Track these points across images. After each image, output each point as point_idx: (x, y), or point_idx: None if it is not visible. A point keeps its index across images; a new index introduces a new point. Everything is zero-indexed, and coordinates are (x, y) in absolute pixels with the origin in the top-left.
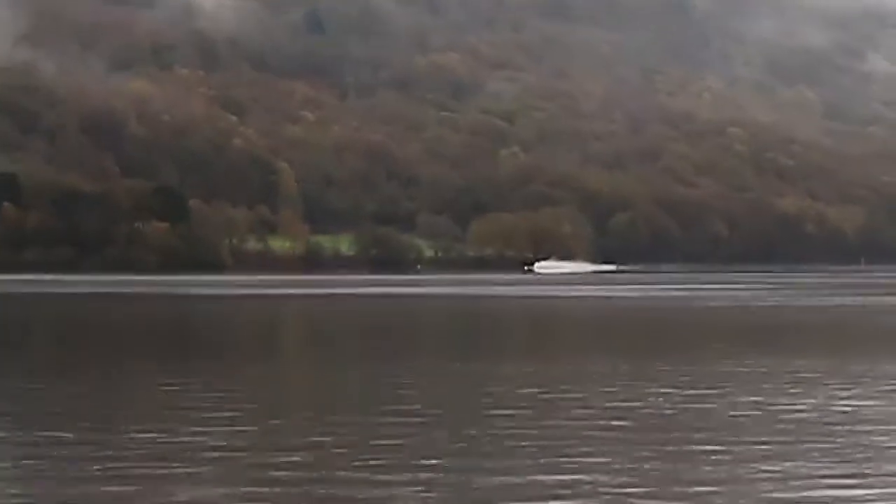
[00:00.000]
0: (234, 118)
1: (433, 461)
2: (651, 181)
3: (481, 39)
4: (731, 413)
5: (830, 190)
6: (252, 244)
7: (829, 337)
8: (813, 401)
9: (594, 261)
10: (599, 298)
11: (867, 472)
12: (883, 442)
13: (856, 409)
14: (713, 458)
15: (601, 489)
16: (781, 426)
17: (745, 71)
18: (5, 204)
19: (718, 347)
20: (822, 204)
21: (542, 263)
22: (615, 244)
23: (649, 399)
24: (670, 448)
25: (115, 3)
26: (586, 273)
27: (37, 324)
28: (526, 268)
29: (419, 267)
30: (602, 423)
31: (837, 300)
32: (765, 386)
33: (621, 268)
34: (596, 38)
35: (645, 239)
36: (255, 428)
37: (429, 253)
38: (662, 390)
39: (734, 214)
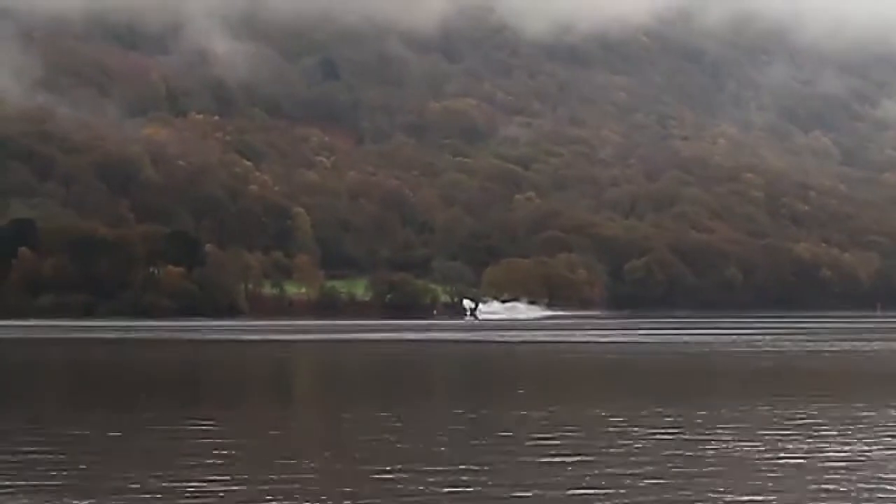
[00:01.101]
0: (249, 164)
1: None
2: (666, 227)
3: (496, 86)
4: (731, 457)
5: (845, 235)
6: (267, 289)
7: (838, 382)
8: (814, 445)
9: (609, 307)
10: (601, 344)
11: None
12: (877, 486)
13: (855, 453)
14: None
15: None
16: (780, 470)
17: (760, 117)
18: (21, 249)
19: (727, 392)
20: (838, 249)
21: (483, 308)
22: (630, 290)
23: (652, 443)
24: (669, 492)
25: (130, 50)
26: (530, 319)
27: (51, 369)
28: (469, 312)
29: (435, 311)
30: (607, 465)
31: (849, 345)
32: (766, 430)
33: (575, 313)
34: (611, 84)
35: (660, 285)
36: (265, 478)
37: (444, 298)
38: (668, 434)
39: (749, 260)
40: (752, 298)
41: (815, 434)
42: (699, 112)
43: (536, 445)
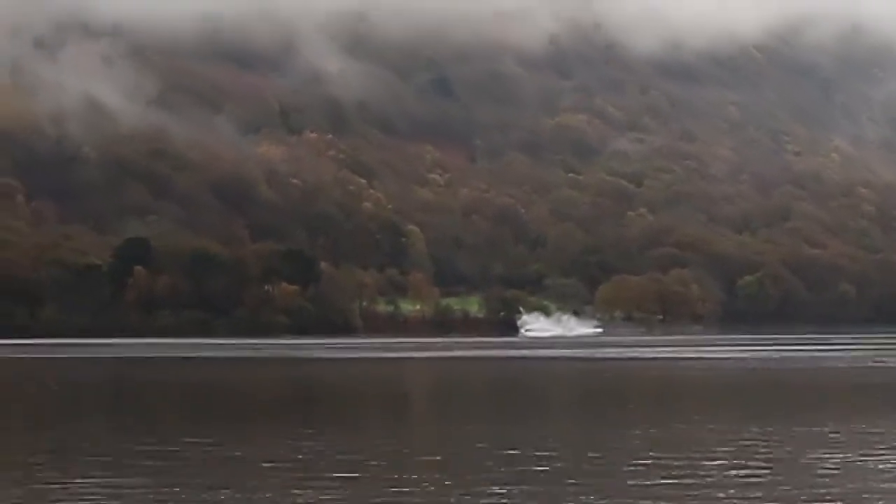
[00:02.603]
0: (363, 181)
1: None
2: (779, 242)
3: (608, 102)
4: (824, 473)
5: None
6: (382, 306)
7: None
8: None
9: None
10: (709, 360)
11: None
12: None
13: None
14: None
15: None
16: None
17: (873, 131)
18: (137, 268)
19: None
20: None
21: (530, 324)
22: (743, 306)
23: (755, 459)
24: None
25: (244, 68)
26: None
27: (167, 387)
28: (525, 329)
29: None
30: (710, 482)
31: None
32: (856, 447)
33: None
34: (722, 99)
35: (774, 301)
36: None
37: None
38: (770, 451)
39: (863, 275)
40: (867, 313)
41: None
42: (811, 127)
43: (640, 465)
